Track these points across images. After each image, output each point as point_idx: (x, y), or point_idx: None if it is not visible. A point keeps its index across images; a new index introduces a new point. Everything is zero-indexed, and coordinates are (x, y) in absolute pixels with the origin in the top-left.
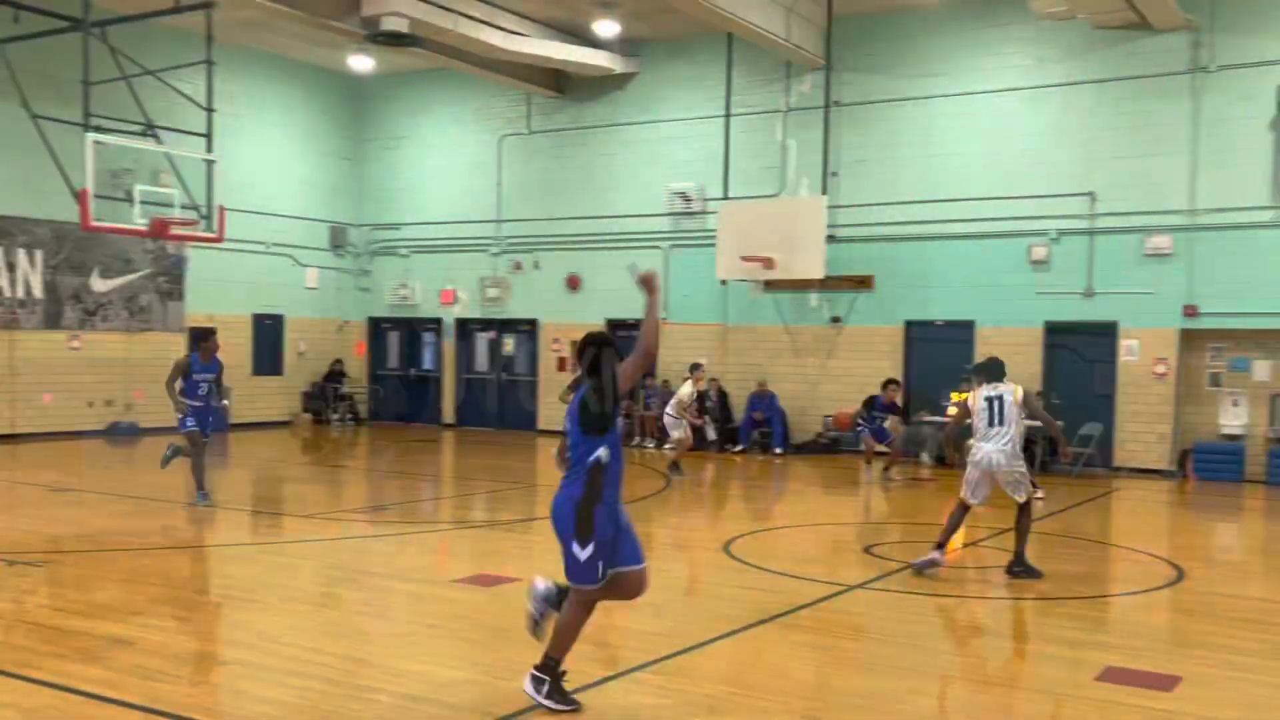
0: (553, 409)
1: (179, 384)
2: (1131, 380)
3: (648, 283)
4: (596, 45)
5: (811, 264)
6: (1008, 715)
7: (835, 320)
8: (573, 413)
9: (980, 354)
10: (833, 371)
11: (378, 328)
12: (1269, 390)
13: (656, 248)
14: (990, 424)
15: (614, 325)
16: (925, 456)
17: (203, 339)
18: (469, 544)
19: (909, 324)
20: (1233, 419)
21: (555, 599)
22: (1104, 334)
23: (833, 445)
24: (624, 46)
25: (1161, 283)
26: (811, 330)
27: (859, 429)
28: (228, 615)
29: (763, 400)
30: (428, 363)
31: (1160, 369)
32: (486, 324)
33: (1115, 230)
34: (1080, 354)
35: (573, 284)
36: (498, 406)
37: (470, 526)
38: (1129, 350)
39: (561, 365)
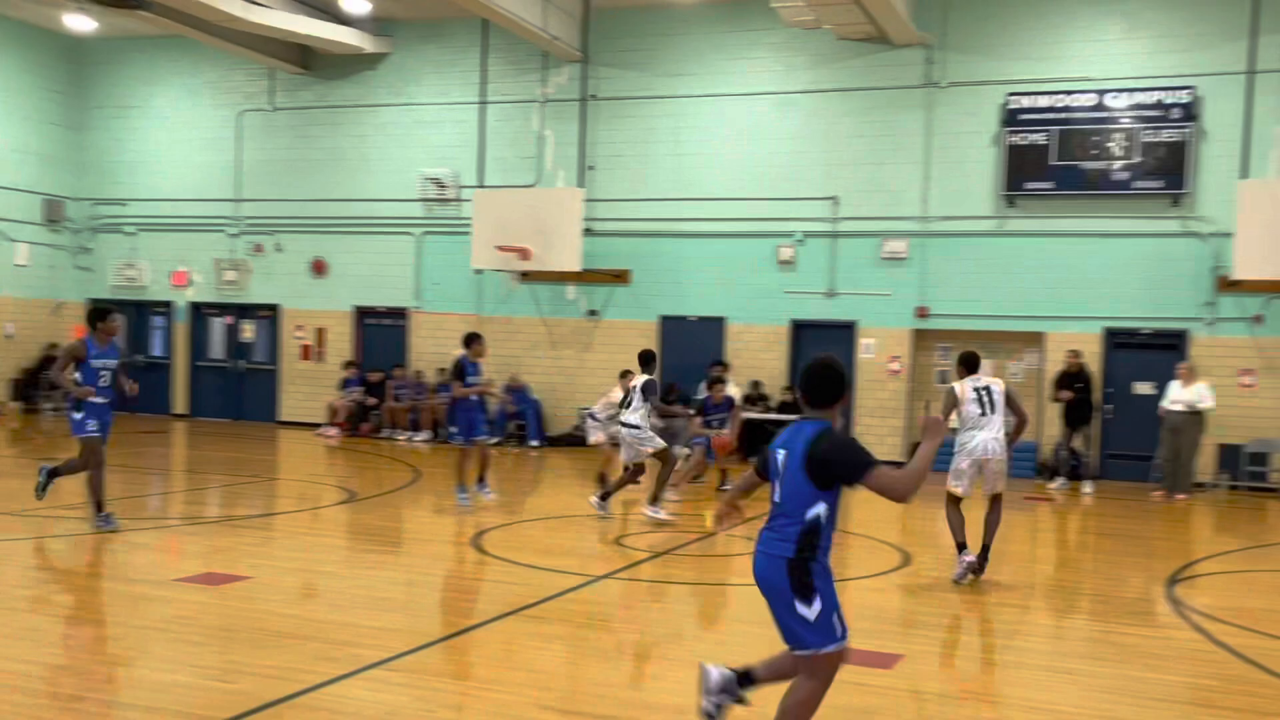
0: (295, 400)
1: (73, 375)
2: (869, 377)
3: (933, 428)
4: (345, 22)
5: (568, 256)
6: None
7: (592, 313)
8: (799, 453)
9: (731, 350)
10: (589, 365)
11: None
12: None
13: (409, 234)
14: (983, 413)
15: (362, 312)
16: (680, 449)
17: (100, 317)
18: (197, 541)
19: (664, 319)
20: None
21: (735, 688)
22: (844, 332)
23: (587, 438)
24: (375, 25)
25: (897, 285)
26: (569, 323)
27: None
28: None
29: (516, 393)
30: (157, 349)
31: (895, 366)
32: (223, 308)
33: (856, 234)
34: (821, 351)
35: (318, 269)
36: (235, 396)
37: (200, 523)
38: (866, 348)
39: (305, 353)
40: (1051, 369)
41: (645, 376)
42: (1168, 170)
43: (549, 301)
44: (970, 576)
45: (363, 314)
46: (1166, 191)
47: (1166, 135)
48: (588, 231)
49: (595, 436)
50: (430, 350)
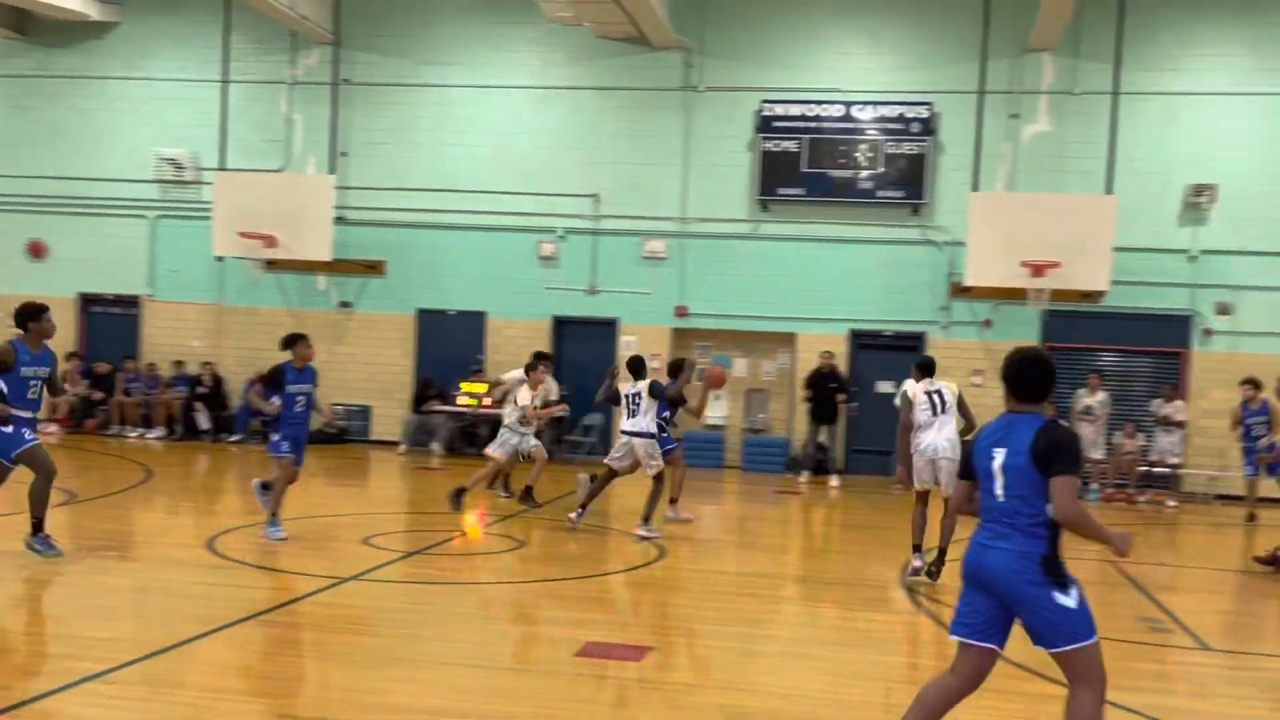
0: None
1: None
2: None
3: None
4: None
5: (318, 245)
6: (495, 696)
7: (345, 305)
8: (1025, 448)
9: (491, 346)
10: (341, 359)
11: None
12: (745, 386)
13: (141, 217)
14: (933, 414)
15: (88, 299)
16: (436, 446)
17: (33, 316)
18: None
19: (422, 312)
20: (715, 411)
21: None
22: (606, 329)
23: (340, 435)
24: None
25: (657, 283)
26: (319, 315)
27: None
28: None
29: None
30: None
31: (655, 364)
32: None
33: (617, 232)
34: (583, 347)
35: (36, 251)
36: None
37: None
38: (627, 345)
39: None
40: (803, 368)
41: (645, 381)
42: (908, 181)
43: (298, 292)
44: (925, 581)
45: (88, 301)
46: (907, 201)
47: (907, 148)
48: (340, 220)
49: (499, 451)
50: (166, 341)
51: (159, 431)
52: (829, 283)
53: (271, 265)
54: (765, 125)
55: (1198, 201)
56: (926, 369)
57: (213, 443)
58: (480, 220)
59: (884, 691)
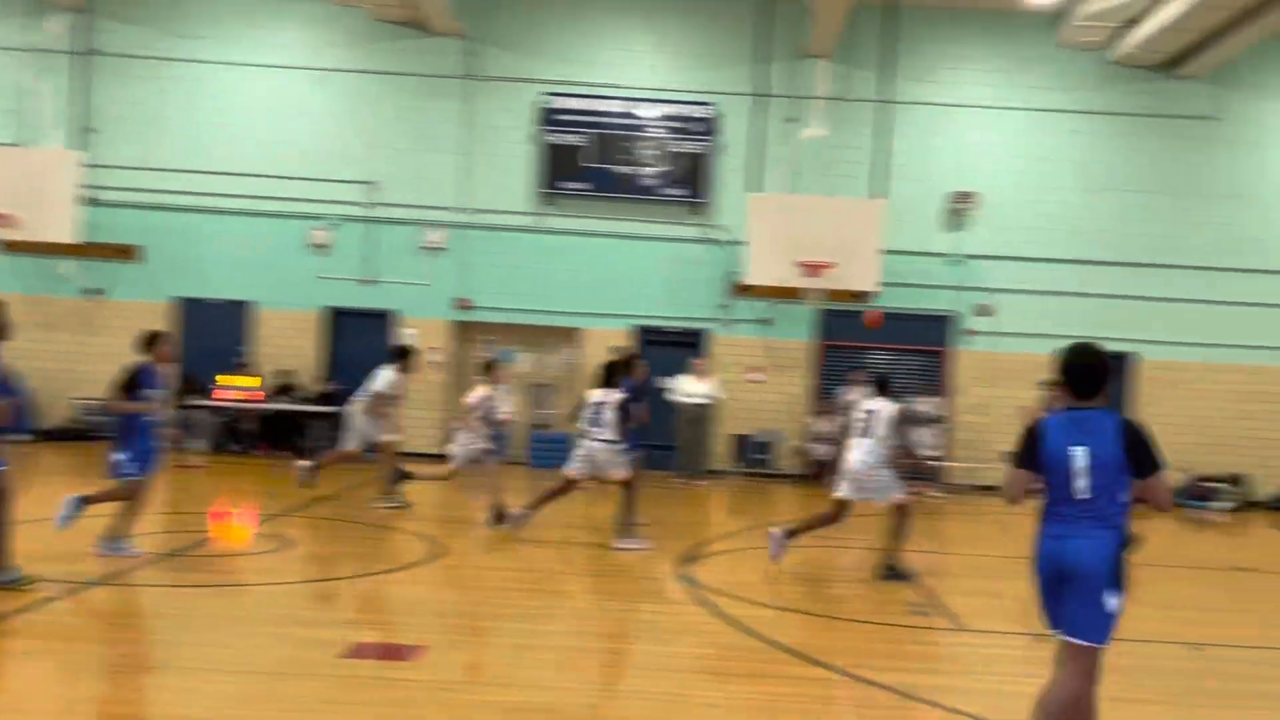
0: None
1: None
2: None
3: None
4: None
5: (60, 226)
6: (254, 702)
7: (94, 292)
8: (1111, 442)
9: (259, 337)
10: (92, 349)
11: None
12: (530, 380)
13: None
14: (863, 434)
15: None
16: (199, 444)
17: None
18: None
19: (181, 300)
20: (500, 405)
21: None
22: (383, 321)
23: (86, 432)
24: None
25: (437, 275)
26: (64, 302)
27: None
28: None
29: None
30: None
31: (436, 357)
32: None
33: (395, 221)
34: (360, 339)
35: None
36: None
37: None
38: (408, 338)
39: None
40: (589, 364)
41: (617, 392)
42: (691, 179)
43: (38, 277)
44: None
45: None
46: (690, 199)
47: (690, 146)
48: (91, 201)
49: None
50: None
51: None
52: (613, 278)
53: (9, 247)
54: (548, 118)
55: (961, 208)
56: (878, 386)
57: None
58: (246, 205)
59: (658, 681)
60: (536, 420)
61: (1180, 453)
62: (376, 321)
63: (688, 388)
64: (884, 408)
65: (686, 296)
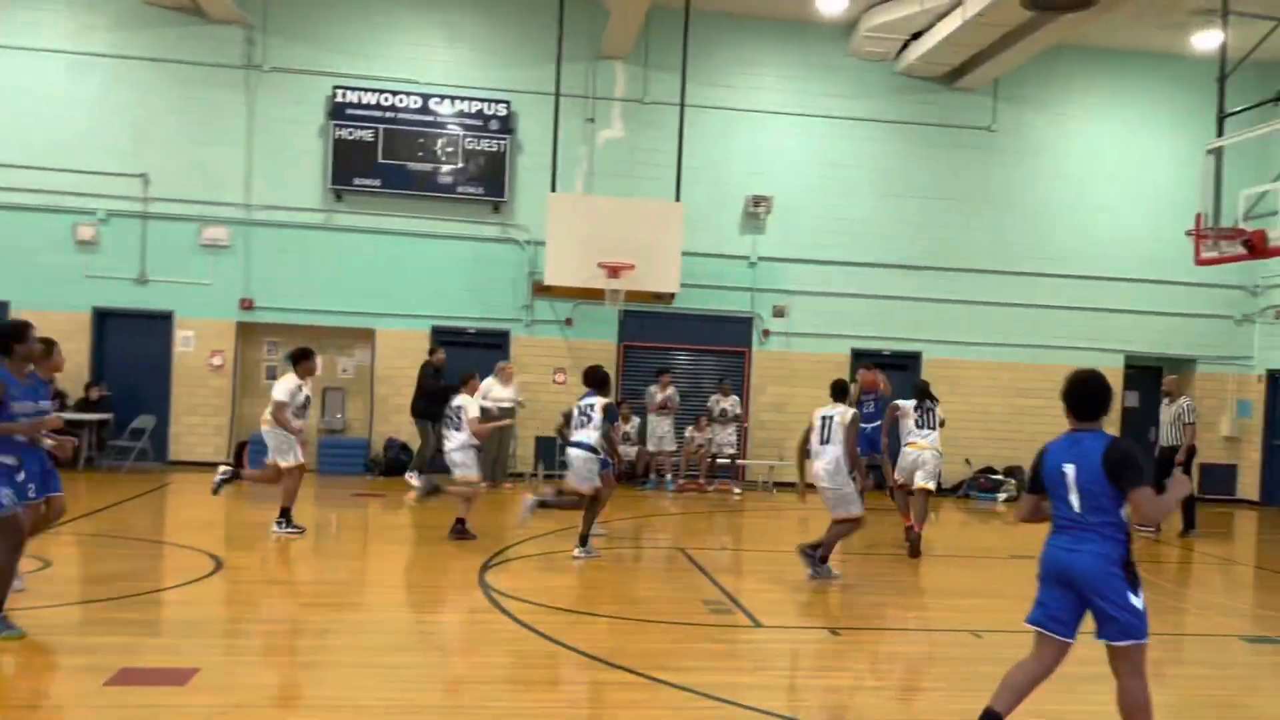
0: None
1: None
2: (187, 371)
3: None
4: None
5: None
6: None
7: None
8: (1096, 462)
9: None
10: None
11: None
12: (319, 383)
13: None
14: (822, 441)
15: None
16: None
17: (17, 337)
18: None
19: None
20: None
21: None
22: (159, 323)
23: None
24: None
25: (218, 274)
26: None
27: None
28: None
29: None
30: None
31: (217, 360)
32: None
33: (171, 217)
34: (133, 342)
35: None
36: None
37: None
38: (185, 340)
39: None
40: (382, 365)
41: (604, 399)
42: (489, 178)
43: None
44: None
45: None
46: (488, 198)
47: (487, 144)
48: None
49: (464, 474)
50: None
51: None
52: (410, 278)
53: None
54: (338, 112)
55: (756, 212)
56: (836, 392)
57: None
58: (2, 198)
59: (447, 694)
60: (329, 425)
61: (966, 447)
62: (152, 323)
63: (495, 392)
64: (838, 414)
65: (487, 297)
